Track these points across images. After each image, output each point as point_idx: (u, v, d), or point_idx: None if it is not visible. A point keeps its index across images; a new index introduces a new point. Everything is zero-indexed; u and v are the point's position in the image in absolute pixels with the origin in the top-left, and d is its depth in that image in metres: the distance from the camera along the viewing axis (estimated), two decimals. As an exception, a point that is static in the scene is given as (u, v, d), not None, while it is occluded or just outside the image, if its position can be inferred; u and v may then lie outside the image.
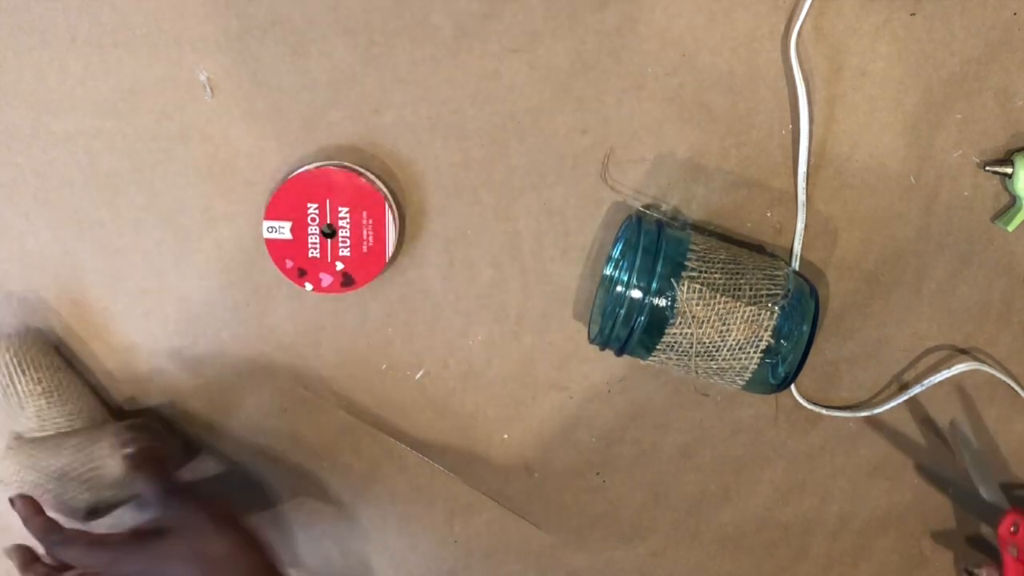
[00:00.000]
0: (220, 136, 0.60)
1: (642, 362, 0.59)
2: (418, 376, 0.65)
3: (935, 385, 0.64)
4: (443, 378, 0.65)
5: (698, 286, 0.55)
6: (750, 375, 0.57)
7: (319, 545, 0.68)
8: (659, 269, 0.55)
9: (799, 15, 0.58)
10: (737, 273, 0.56)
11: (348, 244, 0.60)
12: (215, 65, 0.59)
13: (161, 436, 0.63)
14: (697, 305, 0.55)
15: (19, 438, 0.60)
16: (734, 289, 0.55)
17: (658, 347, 0.56)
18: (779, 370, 0.57)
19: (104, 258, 0.62)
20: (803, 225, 0.61)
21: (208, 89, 0.59)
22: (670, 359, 0.57)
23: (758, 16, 0.58)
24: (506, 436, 0.66)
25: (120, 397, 0.65)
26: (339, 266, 0.60)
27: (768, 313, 0.55)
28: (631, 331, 0.56)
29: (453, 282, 0.63)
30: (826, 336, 0.64)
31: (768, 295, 0.56)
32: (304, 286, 0.61)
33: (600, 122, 0.60)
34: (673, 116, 0.60)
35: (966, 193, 0.62)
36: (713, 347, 0.56)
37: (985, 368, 0.63)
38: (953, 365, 0.64)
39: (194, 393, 0.65)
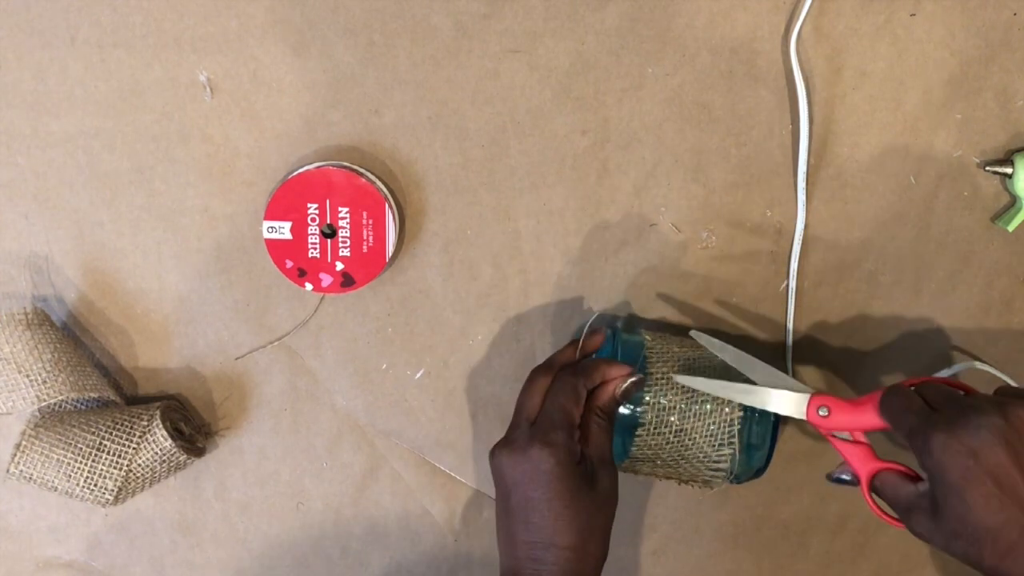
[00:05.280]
0: (220, 136, 0.60)
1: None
2: (418, 376, 0.65)
3: (935, 385, 0.64)
4: (443, 378, 0.65)
5: (647, 453, 0.57)
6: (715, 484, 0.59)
7: (319, 545, 0.68)
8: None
9: (799, 15, 0.58)
10: (683, 444, 0.57)
11: (348, 244, 0.60)
12: (215, 65, 0.59)
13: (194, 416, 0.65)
14: (650, 451, 0.57)
15: (42, 420, 0.60)
16: (680, 460, 0.57)
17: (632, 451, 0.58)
18: (742, 478, 0.59)
19: (104, 258, 0.62)
20: (803, 225, 0.61)
21: (208, 89, 0.59)
22: (643, 468, 0.59)
23: (758, 16, 0.58)
24: (506, 436, 0.66)
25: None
26: (339, 266, 0.60)
27: (720, 479, 0.57)
28: None
29: (453, 282, 0.63)
30: (826, 336, 0.64)
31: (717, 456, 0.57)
32: (304, 286, 0.61)
33: (600, 122, 0.60)
34: (673, 116, 0.60)
35: (966, 193, 0.62)
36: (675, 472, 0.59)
37: (985, 368, 0.63)
38: (953, 365, 0.64)
39: (193, 393, 0.65)
